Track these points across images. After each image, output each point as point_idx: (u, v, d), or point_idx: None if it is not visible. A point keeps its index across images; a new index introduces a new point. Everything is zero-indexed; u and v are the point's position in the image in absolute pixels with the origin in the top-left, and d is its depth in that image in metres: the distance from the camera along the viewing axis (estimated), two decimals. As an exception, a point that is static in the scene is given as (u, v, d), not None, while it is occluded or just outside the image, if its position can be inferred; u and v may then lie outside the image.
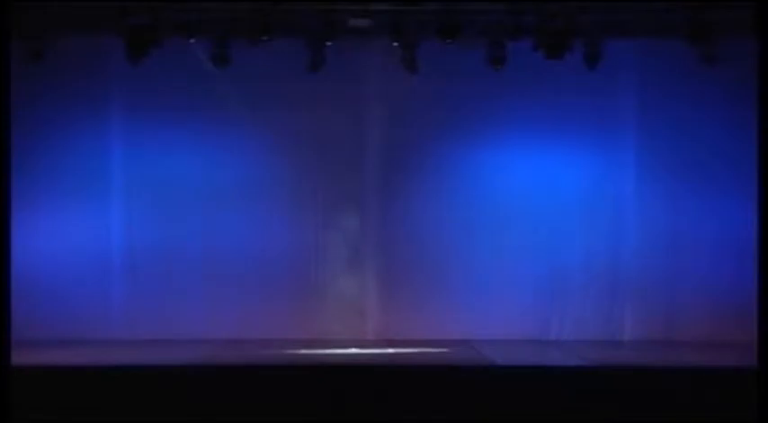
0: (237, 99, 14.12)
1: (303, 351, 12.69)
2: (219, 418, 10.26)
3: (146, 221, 14.14)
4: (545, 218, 14.27)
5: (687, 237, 14.21)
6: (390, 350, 13.03)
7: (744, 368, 10.59)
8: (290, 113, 14.16)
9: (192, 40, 13.36)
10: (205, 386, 10.51)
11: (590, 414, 10.24)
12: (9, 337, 9.84)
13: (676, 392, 10.30)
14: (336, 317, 14.14)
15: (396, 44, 13.32)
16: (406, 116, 14.26)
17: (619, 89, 14.21)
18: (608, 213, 14.38)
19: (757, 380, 9.38)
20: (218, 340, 13.48)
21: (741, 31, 12.25)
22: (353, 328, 14.11)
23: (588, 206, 14.35)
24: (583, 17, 12.81)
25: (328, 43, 13.26)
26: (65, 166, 14.04)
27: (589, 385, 10.63)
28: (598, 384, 10.62)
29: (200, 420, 10.20)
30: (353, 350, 12.95)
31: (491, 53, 13.18)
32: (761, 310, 9.96)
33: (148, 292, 13.91)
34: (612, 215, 14.38)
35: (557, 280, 14.31)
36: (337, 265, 14.32)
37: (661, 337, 14.11)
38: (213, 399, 10.35)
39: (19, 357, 10.46)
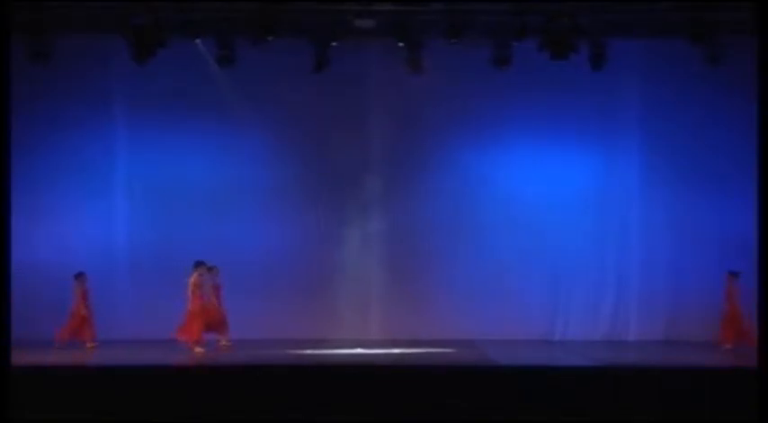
0: (241, 99, 14.17)
1: (307, 351, 12.68)
2: (219, 417, 10.24)
3: (148, 221, 14.24)
4: (549, 217, 14.26)
5: (690, 236, 14.18)
6: (395, 350, 13.01)
7: (744, 368, 10.54)
8: (294, 113, 14.21)
9: (196, 41, 13.45)
10: (205, 386, 10.49)
11: (592, 414, 10.18)
12: (9, 337, 9.88)
13: (677, 392, 10.24)
14: (341, 317, 14.14)
15: (400, 44, 13.34)
16: (411, 115, 14.27)
17: (622, 89, 14.19)
18: (611, 213, 14.37)
19: (757, 380, 9.32)
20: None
21: (744, 32, 12.20)
22: (358, 328, 14.14)
23: (591, 205, 14.36)
24: (587, 18, 12.79)
25: (333, 43, 13.30)
26: (68, 165, 14.11)
27: (592, 385, 10.56)
28: (601, 384, 10.55)
29: (200, 420, 10.19)
30: (358, 350, 12.95)
31: (496, 53, 13.20)
32: (761, 310, 9.94)
33: (150, 293, 13.93)
34: (616, 214, 14.37)
35: (561, 280, 14.32)
36: (341, 265, 14.32)
37: (664, 338, 14.14)
38: (213, 399, 10.32)
39: (19, 357, 10.49)
